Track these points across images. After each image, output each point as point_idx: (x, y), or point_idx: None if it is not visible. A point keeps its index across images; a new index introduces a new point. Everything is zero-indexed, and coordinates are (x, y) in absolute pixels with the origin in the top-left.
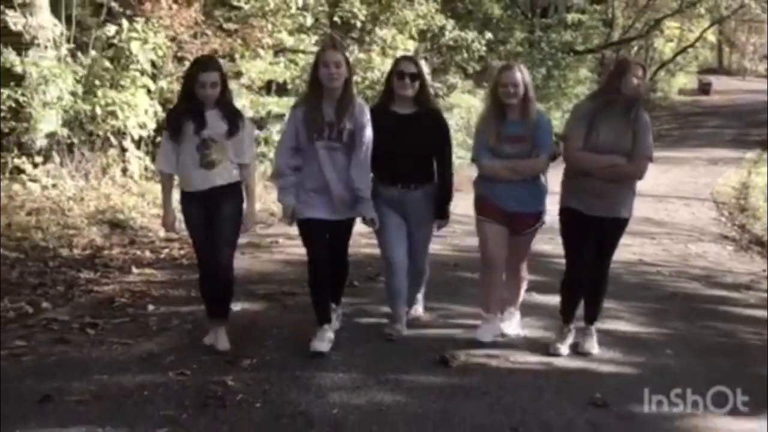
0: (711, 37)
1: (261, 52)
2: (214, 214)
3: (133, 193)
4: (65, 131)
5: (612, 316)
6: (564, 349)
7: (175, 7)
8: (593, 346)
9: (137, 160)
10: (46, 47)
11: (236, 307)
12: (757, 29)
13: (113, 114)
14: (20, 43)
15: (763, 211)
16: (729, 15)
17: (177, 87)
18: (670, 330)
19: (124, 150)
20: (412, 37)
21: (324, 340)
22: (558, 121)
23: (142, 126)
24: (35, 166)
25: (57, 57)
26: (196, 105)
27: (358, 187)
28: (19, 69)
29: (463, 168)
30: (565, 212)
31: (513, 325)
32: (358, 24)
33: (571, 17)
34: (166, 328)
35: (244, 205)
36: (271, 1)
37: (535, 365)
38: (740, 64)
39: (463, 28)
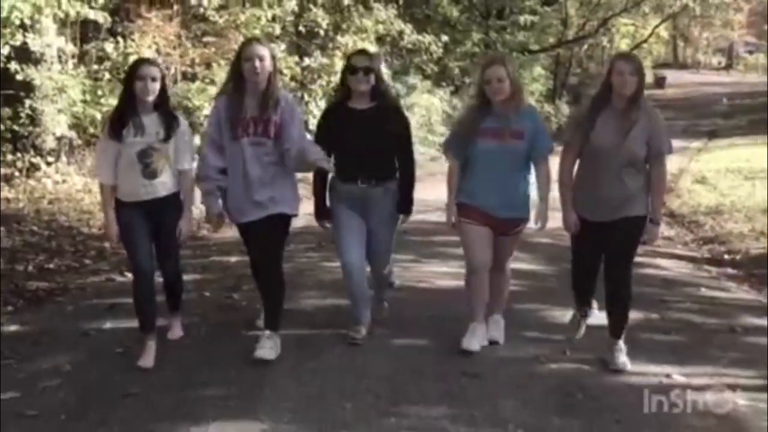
0: (664, 32)
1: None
2: (158, 226)
3: None
4: (72, 134)
5: (518, 259)
6: (582, 331)
7: (160, 24)
8: (624, 362)
9: None
10: (52, 63)
11: (233, 259)
12: (710, 24)
13: None
14: (29, 59)
15: (690, 192)
16: (674, 13)
17: None
18: (561, 268)
19: None
20: (371, 42)
21: (265, 347)
22: None
23: None
24: (48, 164)
25: (63, 71)
26: (135, 107)
27: (312, 154)
28: (37, 82)
29: (426, 164)
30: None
31: (499, 332)
32: (321, 32)
33: (523, 19)
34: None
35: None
36: (242, 16)
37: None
38: (694, 58)
39: (421, 32)
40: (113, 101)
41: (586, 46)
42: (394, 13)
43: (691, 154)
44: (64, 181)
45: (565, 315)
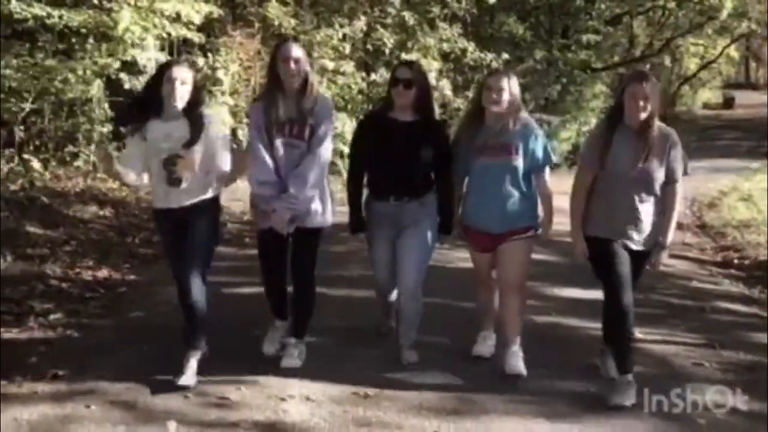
0: (734, 53)
1: None
2: (184, 236)
3: None
4: None
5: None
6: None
7: (243, 41)
8: (630, 397)
9: None
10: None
11: None
12: None
13: None
14: (135, 71)
15: (730, 208)
16: (742, 35)
17: (243, 103)
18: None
19: None
20: (435, 59)
21: (293, 356)
22: (574, 132)
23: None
24: None
25: None
26: (161, 110)
27: (303, 188)
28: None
29: None
30: (592, 242)
31: (517, 364)
32: (387, 50)
33: (586, 38)
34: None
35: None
36: (317, 35)
37: None
38: (766, 79)
39: (483, 50)
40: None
41: (648, 66)
42: (459, 31)
43: (749, 173)
44: None
45: (563, 290)
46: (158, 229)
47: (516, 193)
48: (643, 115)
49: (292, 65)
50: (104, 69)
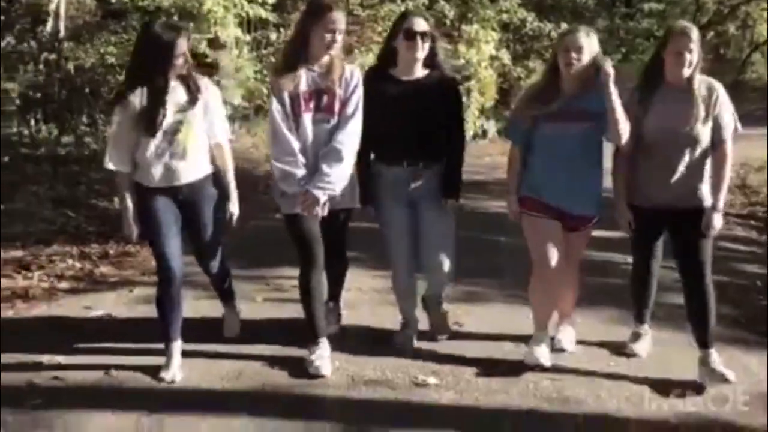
0: None
1: (372, 47)
2: (191, 218)
3: None
4: (245, 103)
5: None
6: (640, 348)
7: None
8: (727, 373)
9: None
10: (231, 48)
11: None
12: None
13: None
14: (215, 46)
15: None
16: None
17: None
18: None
19: None
20: (494, 29)
21: (324, 359)
22: None
23: None
24: None
25: (240, 55)
26: (152, 78)
27: (338, 164)
28: (223, 63)
29: None
30: (636, 210)
31: (570, 340)
32: (448, 22)
33: (648, 6)
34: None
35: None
36: (381, 10)
37: None
38: None
39: (543, 20)
40: None
41: (712, 33)
42: (518, 2)
43: None
44: (237, 140)
45: None
46: (147, 213)
47: (590, 165)
48: (687, 71)
49: (339, 37)
50: (193, 45)
